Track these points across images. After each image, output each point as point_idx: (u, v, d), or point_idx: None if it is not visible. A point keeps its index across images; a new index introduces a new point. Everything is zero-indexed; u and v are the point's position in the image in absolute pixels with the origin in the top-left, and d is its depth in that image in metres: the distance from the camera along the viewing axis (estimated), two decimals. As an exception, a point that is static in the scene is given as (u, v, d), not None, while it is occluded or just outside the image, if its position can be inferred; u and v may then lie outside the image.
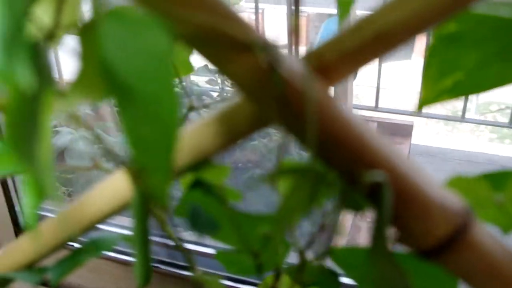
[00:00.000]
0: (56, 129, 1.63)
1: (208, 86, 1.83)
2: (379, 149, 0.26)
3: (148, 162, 0.20)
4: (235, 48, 0.24)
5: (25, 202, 0.21)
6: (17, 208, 1.03)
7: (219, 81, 1.86)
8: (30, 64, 0.19)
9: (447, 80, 0.37)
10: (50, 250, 0.40)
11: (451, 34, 0.36)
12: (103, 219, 0.34)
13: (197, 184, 0.33)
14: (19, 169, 0.24)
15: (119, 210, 0.34)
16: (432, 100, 0.37)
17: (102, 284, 0.99)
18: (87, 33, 0.22)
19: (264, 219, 0.34)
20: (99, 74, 0.23)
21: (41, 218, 0.92)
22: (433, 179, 0.28)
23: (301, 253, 0.35)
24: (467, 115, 1.66)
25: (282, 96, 0.25)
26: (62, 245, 0.40)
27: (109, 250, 0.34)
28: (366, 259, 0.36)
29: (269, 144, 1.68)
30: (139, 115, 0.19)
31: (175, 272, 0.86)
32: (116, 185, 0.33)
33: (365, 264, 0.37)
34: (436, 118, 2.18)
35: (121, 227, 0.92)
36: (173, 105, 0.19)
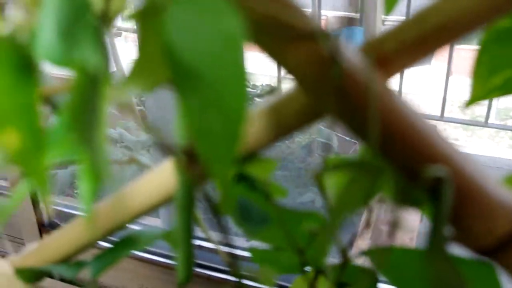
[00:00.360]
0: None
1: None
2: (440, 144, 0.25)
3: (211, 151, 0.19)
4: (296, 37, 0.23)
5: (80, 189, 0.21)
6: (41, 205, 1.04)
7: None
8: (95, 46, 0.19)
9: (497, 77, 0.36)
10: (88, 244, 0.40)
11: (503, 30, 0.34)
12: (145, 213, 0.34)
13: (241, 179, 0.32)
14: (72, 156, 0.23)
15: (162, 203, 0.33)
16: (482, 97, 0.36)
17: (125, 283, 0.98)
18: (148, 17, 0.22)
19: (308, 215, 0.33)
20: (158, 61, 0.23)
21: (63, 215, 0.92)
22: (492, 177, 0.27)
23: (343, 252, 0.34)
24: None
25: (340, 87, 0.24)
26: (99, 240, 0.40)
27: (148, 246, 0.33)
28: (407, 259, 0.35)
29: (291, 145, 1.67)
30: (205, 101, 0.19)
31: (200, 272, 0.86)
32: (160, 178, 0.33)
33: (403, 265, 0.36)
34: (459, 123, 2.16)
35: (144, 226, 0.92)
36: (242, 93, 0.18)
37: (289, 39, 0.23)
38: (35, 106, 0.20)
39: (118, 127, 1.71)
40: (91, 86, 0.19)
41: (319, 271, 0.36)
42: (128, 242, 0.37)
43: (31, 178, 0.19)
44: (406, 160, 0.25)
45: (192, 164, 0.26)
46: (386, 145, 0.25)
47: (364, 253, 0.35)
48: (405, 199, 0.25)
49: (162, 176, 0.32)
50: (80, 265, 0.37)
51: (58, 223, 1.04)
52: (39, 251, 0.44)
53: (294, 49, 0.23)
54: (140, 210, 0.34)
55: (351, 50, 0.25)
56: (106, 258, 0.36)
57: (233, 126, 0.19)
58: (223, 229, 0.29)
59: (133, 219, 0.34)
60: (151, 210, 0.35)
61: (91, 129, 0.20)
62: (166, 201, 0.33)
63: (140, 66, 0.23)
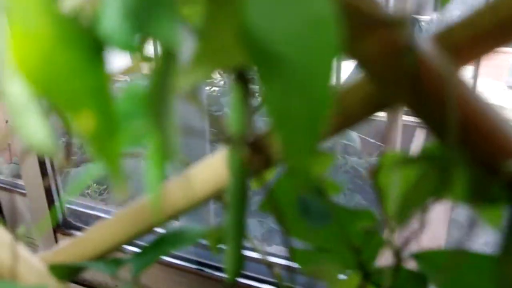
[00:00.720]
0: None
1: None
2: (518, 137, 0.24)
3: (292, 138, 0.18)
4: (370, 25, 0.22)
5: (148, 172, 0.20)
6: (56, 203, 1.03)
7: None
8: (175, 23, 0.17)
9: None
10: (121, 243, 0.39)
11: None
12: (194, 206, 0.33)
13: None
14: (137, 142, 0.22)
15: (212, 197, 0.32)
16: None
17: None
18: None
19: (362, 214, 0.31)
20: (224, 45, 0.22)
21: (77, 214, 0.91)
22: None
23: (397, 253, 0.32)
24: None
25: (414, 75, 0.23)
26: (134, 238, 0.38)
27: (192, 244, 0.32)
28: (450, 262, 0.34)
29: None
30: (289, 86, 0.18)
31: (218, 275, 0.85)
32: (212, 170, 0.31)
33: (451, 268, 0.34)
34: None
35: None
36: (328, 79, 0.17)
37: (365, 27, 0.22)
38: (107, 89, 0.19)
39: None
40: (167, 69, 0.18)
41: (367, 273, 0.35)
42: (168, 241, 0.35)
43: (104, 162, 0.18)
44: (482, 153, 0.24)
45: (253, 156, 0.25)
46: (461, 137, 0.23)
47: (414, 256, 0.33)
48: (481, 195, 0.23)
49: (212, 169, 0.31)
50: (119, 262, 0.36)
51: (72, 222, 1.04)
52: (70, 248, 0.43)
53: (369, 37, 0.22)
54: (188, 205, 0.33)
55: (423, 38, 0.24)
56: (147, 256, 0.35)
57: (318, 112, 0.18)
58: (283, 228, 0.27)
59: (183, 211, 0.33)
60: (197, 206, 0.33)
61: (165, 114, 0.19)
62: (213, 196, 0.32)
63: (204, 51, 0.22)
